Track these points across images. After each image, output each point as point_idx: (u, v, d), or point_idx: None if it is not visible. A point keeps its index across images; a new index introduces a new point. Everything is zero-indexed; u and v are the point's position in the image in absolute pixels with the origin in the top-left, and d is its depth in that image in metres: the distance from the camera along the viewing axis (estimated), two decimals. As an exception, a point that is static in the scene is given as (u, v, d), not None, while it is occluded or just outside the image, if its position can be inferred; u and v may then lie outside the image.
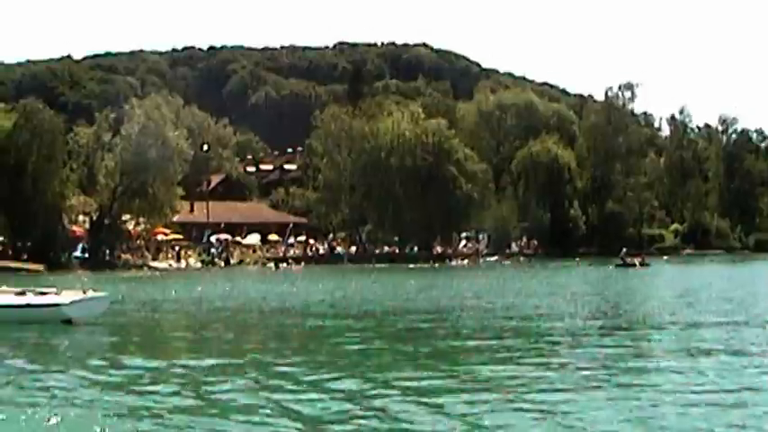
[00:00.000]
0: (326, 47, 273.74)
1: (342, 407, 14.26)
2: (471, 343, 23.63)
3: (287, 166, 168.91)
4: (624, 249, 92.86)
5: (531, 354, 21.25)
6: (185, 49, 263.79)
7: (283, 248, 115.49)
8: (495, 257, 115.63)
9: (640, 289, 51.59)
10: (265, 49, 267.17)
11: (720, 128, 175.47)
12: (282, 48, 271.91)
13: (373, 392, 15.43)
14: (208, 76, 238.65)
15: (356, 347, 22.78)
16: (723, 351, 20.87)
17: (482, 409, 13.79)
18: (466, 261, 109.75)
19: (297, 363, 19.45)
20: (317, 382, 16.49)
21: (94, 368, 18.68)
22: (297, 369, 18.29)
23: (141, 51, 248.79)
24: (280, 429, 12.86)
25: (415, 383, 16.19)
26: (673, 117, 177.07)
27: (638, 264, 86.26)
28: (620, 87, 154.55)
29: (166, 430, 12.86)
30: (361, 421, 13.25)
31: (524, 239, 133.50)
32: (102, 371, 18.30)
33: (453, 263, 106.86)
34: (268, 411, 13.99)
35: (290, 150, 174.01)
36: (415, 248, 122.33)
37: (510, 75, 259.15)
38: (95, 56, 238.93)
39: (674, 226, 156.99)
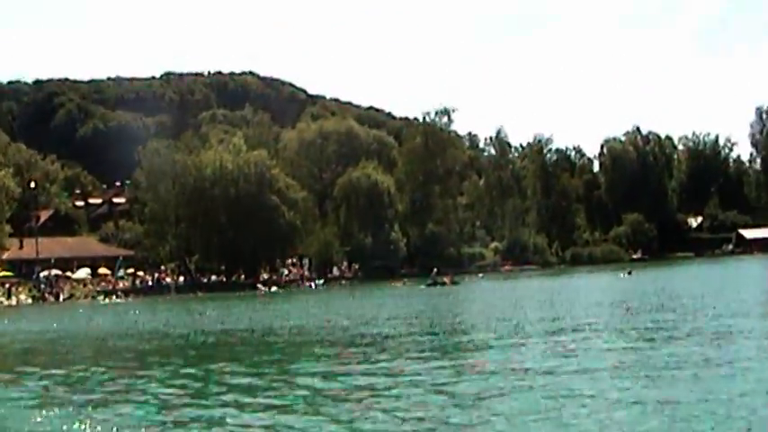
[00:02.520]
0: (153, 77, 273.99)
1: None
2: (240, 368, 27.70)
3: (116, 200, 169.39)
4: (435, 269, 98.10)
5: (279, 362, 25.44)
6: (11, 83, 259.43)
7: (113, 281, 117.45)
8: (317, 282, 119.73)
9: (438, 305, 56.00)
10: (92, 81, 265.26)
11: (536, 147, 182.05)
12: (109, 79, 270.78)
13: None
14: (34, 109, 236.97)
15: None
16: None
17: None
18: (274, 288, 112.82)
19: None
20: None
21: None
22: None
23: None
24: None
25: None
26: (491, 138, 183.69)
27: (447, 282, 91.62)
28: (436, 113, 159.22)
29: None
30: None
31: (345, 263, 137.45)
32: None
33: (272, 289, 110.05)
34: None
35: (118, 184, 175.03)
36: (242, 276, 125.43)
37: (336, 100, 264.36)
38: None
39: (494, 244, 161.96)
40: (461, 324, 38.83)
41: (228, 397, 19.06)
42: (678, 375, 18.73)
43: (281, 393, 19.63)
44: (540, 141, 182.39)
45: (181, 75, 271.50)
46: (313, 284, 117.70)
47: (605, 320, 35.25)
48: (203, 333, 40.77)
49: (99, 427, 15.68)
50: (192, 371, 24.47)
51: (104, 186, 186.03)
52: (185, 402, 18.64)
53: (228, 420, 16.22)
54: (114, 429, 15.54)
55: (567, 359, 22.66)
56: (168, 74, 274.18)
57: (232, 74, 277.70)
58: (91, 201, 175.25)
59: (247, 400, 18.69)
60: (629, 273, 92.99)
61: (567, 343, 26.79)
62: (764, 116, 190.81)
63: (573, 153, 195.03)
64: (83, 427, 15.80)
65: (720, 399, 15.71)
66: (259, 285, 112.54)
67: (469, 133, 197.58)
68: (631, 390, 17.24)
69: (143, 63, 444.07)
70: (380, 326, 38.65)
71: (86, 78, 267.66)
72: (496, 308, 48.80)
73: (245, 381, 22.02)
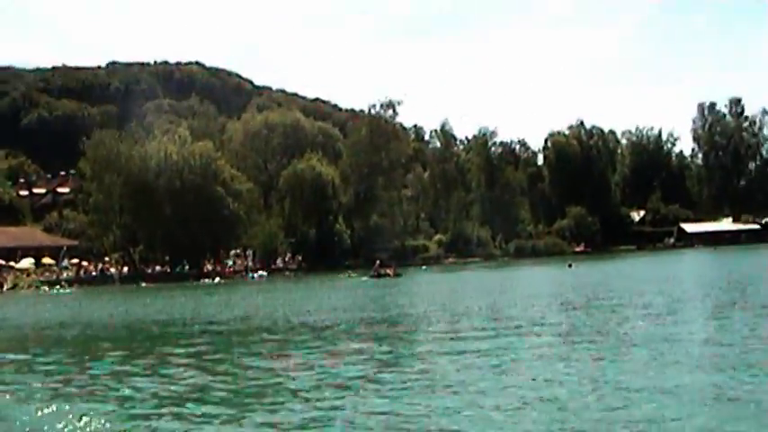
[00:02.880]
0: (98, 66, 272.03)
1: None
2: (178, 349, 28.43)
3: (60, 189, 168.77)
4: (378, 261, 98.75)
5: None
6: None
7: (57, 271, 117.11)
8: (261, 273, 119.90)
9: (379, 296, 56.76)
10: (37, 70, 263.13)
11: (481, 140, 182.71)
12: (54, 68, 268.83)
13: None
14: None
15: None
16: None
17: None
18: (217, 279, 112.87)
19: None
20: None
21: None
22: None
23: None
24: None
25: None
26: (436, 131, 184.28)
27: (391, 274, 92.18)
28: (382, 105, 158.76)
29: None
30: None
31: (289, 255, 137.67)
32: None
33: (216, 280, 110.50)
34: None
35: (63, 173, 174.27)
36: (187, 267, 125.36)
37: (282, 92, 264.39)
38: None
39: (438, 236, 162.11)
40: (400, 315, 39.62)
41: (176, 383, 19.89)
42: (598, 362, 19.88)
43: (229, 376, 20.54)
44: (484, 134, 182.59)
45: (127, 64, 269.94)
46: (256, 275, 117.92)
47: (538, 312, 36.27)
48: (146, 322, 41.42)
49: (47, 410, 16.35)
50: (137, 359, 25.15)
51: (49, 176, 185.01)
52: (133, 385, 19.40)
53: (183, 408, 16.90)
54: (65, 410, 16.21)
55: (498, 346, 23.78)
56: (113, 63, 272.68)
57: (178, 63, 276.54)
58: (35, 190, 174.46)
59: (196, 382, 19.54)
60: (570, 266, 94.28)
61: (499, 331, 28.02)
62: (706, 112, 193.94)
63: (517, 146, 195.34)
64: (35, 410, 16.48)
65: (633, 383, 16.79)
66: (205, 280, 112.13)
67: (415, 125, 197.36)
68: (558, 372, 18.56)
69: (88, 52, 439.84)
70: (321, 316, 39.43)
71: (31, 67, 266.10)
72: (436, 299, 49.78)
73: (193, 364, 22.85)
